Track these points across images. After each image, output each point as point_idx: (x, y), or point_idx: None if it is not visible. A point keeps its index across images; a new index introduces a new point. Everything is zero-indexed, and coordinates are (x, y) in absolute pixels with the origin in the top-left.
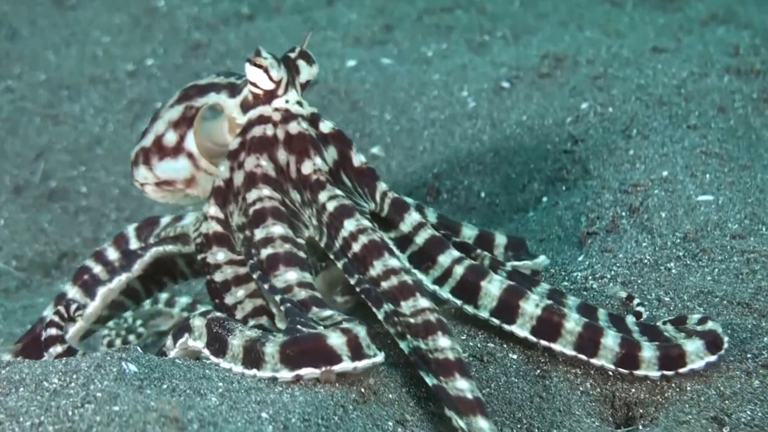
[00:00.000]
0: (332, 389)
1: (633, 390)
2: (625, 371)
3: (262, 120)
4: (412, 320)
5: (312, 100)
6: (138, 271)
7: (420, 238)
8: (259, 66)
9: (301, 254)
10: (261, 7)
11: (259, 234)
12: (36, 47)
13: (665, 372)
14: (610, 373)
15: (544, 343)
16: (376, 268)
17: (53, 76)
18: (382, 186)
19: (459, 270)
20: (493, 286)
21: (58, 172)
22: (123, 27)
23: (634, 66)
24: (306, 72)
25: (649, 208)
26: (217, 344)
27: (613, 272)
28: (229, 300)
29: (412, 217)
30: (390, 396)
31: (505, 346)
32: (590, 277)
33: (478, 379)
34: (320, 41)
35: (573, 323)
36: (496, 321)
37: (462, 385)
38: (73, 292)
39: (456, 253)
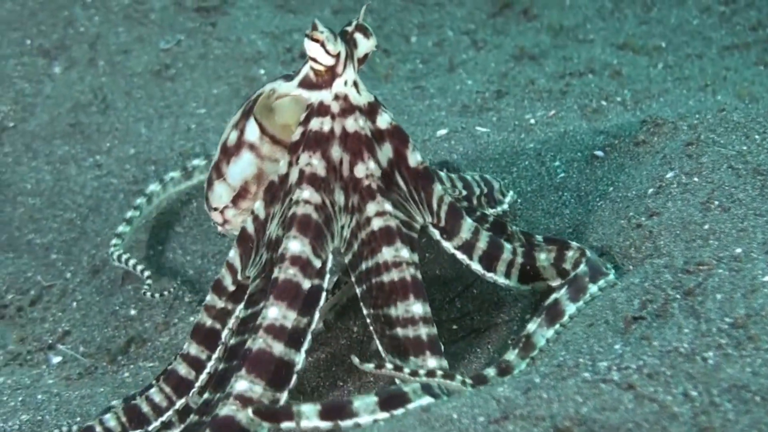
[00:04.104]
0: None
1: None
2: None
3: (321, 111)
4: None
5: None
6: None
7: (482, 243)
8: (316, 40)
9: (311, 283)
10: (367, 76)
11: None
12: (128, 120)
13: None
14: None
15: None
16: (399, 310)
17: (142, 151)
18: (438, 189)
19: (519, 260)
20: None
21: (135, 252)
22: (221, 97)
23: (741, 131)
24: (364, 45)
25: (706, 289)
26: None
27: (640, 362)
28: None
29: (468, 223)
30: None
31: None
32: (614, 368)
33: None
34: (425, 109)
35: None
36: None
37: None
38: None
39: (510, 246)
